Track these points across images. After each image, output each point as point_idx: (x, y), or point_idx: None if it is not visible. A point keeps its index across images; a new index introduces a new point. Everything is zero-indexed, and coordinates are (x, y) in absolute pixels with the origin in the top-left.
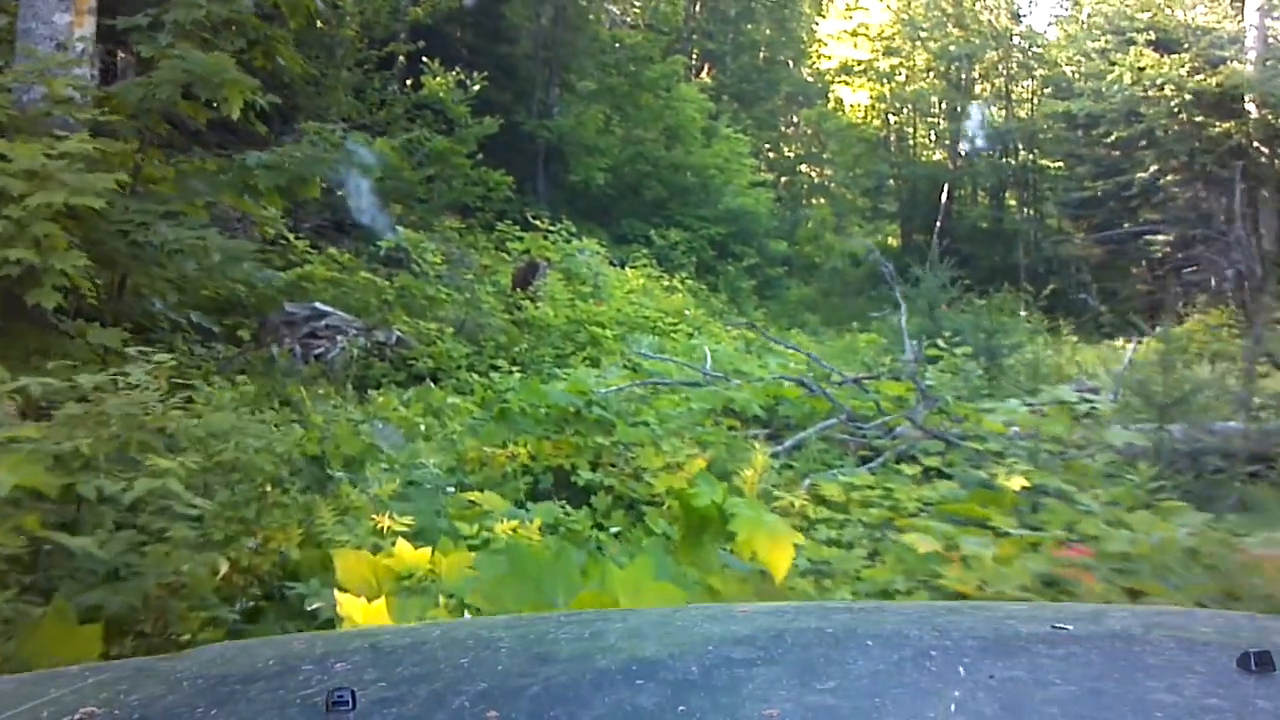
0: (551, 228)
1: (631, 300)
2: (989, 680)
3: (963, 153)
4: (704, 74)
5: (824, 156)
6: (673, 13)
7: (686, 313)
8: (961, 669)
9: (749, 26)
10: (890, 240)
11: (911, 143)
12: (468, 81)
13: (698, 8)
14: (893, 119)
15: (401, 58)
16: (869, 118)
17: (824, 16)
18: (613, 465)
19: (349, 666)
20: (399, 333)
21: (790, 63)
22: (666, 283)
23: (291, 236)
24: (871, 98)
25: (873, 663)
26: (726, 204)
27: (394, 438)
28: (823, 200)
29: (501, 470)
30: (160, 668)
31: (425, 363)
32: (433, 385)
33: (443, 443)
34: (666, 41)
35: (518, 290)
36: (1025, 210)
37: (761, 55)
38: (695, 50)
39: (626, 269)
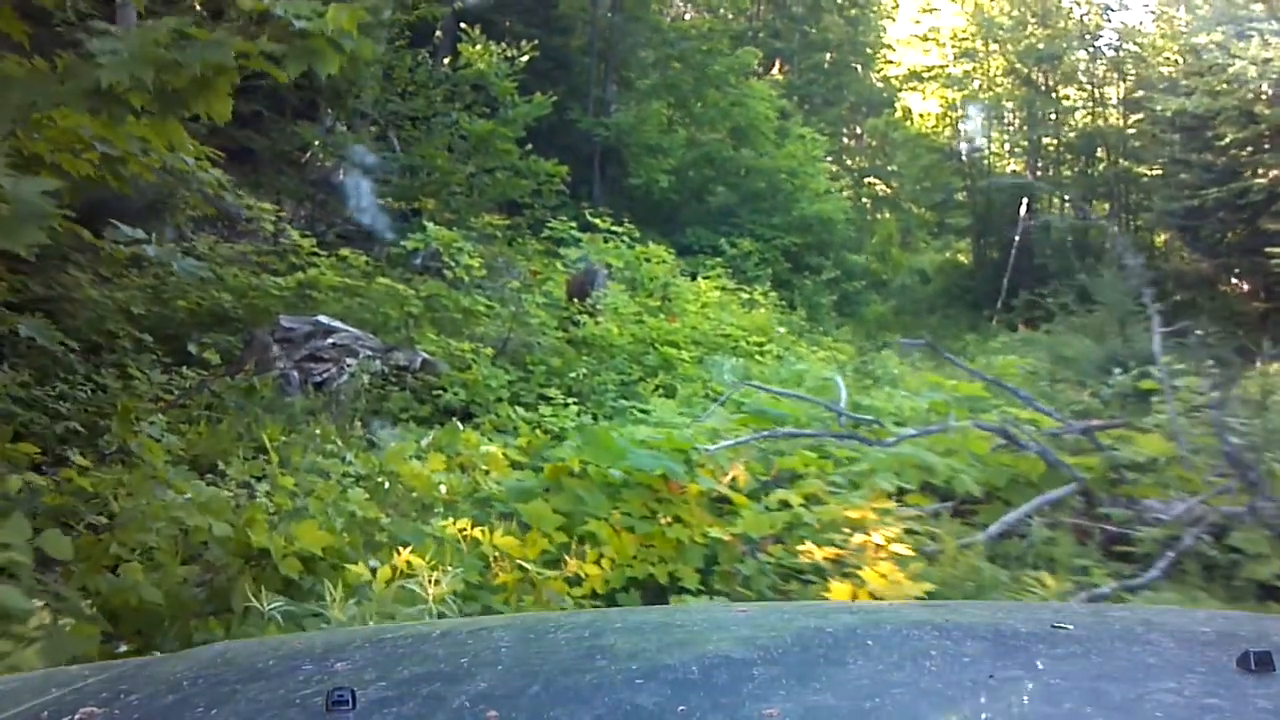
0: (614, 228)
1: (707, 316)
2: (989, 680)
3: (964, 149)
4: (775, 71)
5: (889, 169)
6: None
7: (779, 330)
8: (961, 669)
9: (818, 25)
10: (960, 257)
11: (985, 152)
12: (514, 54)
13: (761, 7)
14: (963, 128)
15: (438, 33)
16: (940, 126)
17: (893, 20)
18: (738, 570)
19: (349, 666)
20: (425, 354)
21: (859, 68)
22: (746, 296)
23: (296, 234)
24: (942, 106)
25: (873, 663)
26: (801, 211)
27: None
28: (887, 214)
29: (557, 602)
30: (160, 668)
31: (456, 393)
32: (464, 424)
33: (470, 508)
34: (735, 32)
35: (574, 302)
36: (1119, 222)
37: (828, 57)
38: (761, 50)
39: (699, 280)
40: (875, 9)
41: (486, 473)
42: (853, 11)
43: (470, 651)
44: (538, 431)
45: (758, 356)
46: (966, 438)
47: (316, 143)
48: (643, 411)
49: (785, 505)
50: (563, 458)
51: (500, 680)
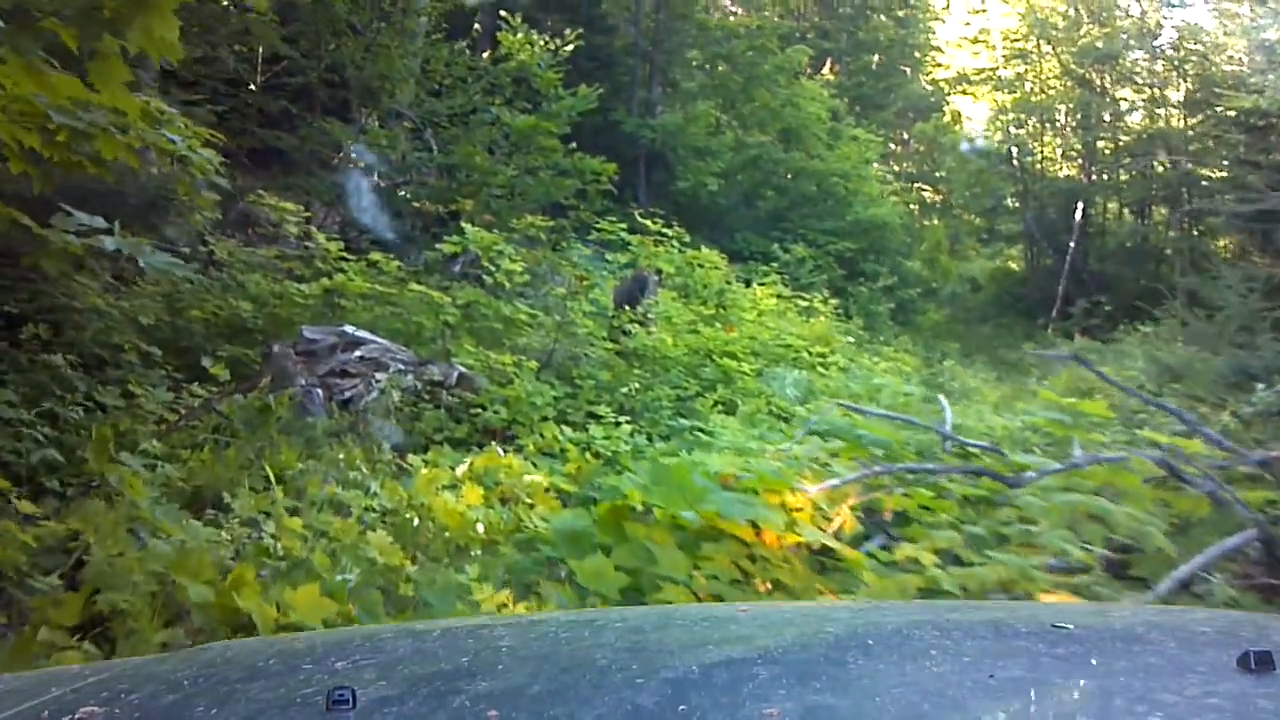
0: (665, 230)
1: (765, 325)
2: (989, 680)
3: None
4: (826, 70)
5: (936, 174)
6: None
7: (848, 340)
8: (961, 669)
9: (867, 25)
10: (1011, 264)
11: (1037, 157)
12: (558, 45)
13: (809, 7)
14: (1014, 131)
15: (477, 26)
16: (990, 130)
17: (942, 22)
18: None
19: (349, 665)
20: (461, 368)
21: (907, 70)
22: (804, 303)
23: (323, 237)
24: (992, 109)
25: (873, 663)
26: (855, 215)
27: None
28: (935, 220)
29: None
30: (160, 668)
31: (496, 411)
32: (504, 447)
33: (512, 551)
34: (783, 32)
35: (623, 311)
36: (1181, 227)
37: (876, 59)
38: (811, 50)
39: (755, 287)
40: (925, 10)
41: (531, 506)
42: (902, 12)
43: (470, 651)
44: (588, 455)
45: (820, 368)
46: (1114, 471)
47: (349, 143)
48: (703, 432)
49: (915, 563)
50: (620, 490)
51: (500, 680)
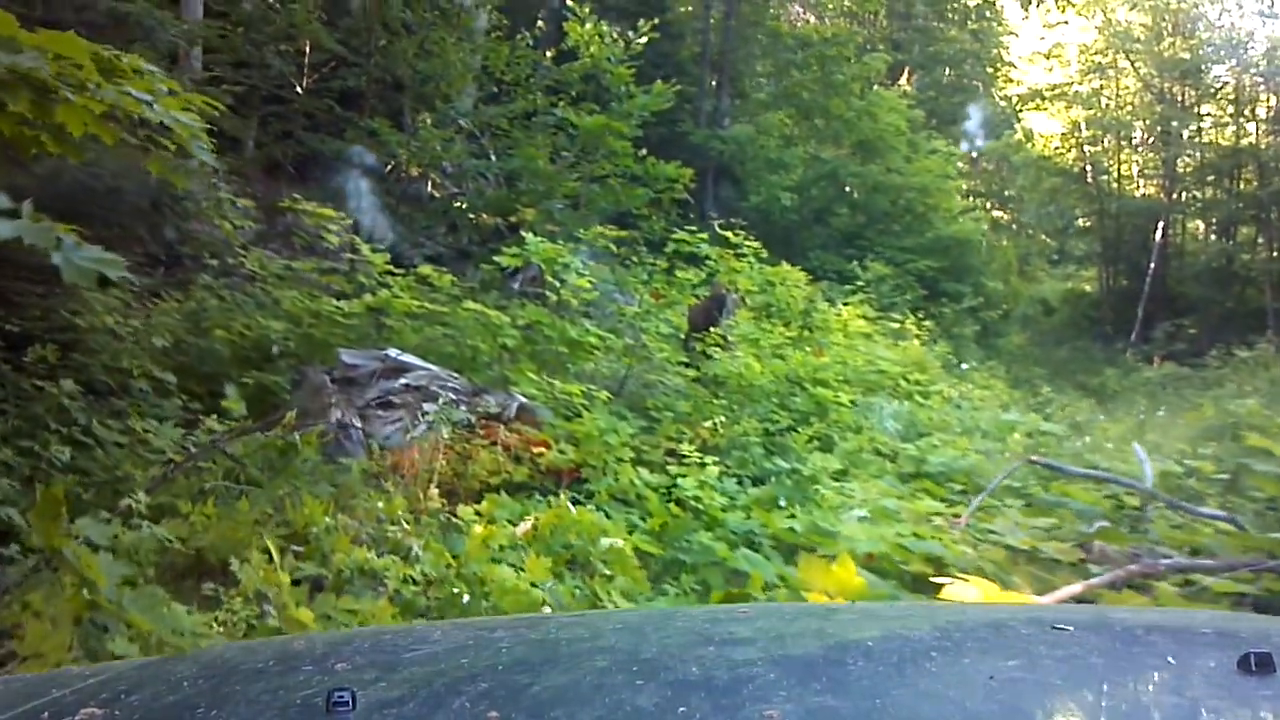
0: (749, 241)
1: (856, 348)
2: (989, 680)
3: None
4: (902, 80)
5: (1006, 193)
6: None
7: (963, 366)
8: (961, 669)
9: (943, 37)
10: (1085, 285)
11: (1113, 175)
12: (629, 38)
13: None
14: (1089, 149)
15: (540, 23)
16: (1065, 147)
17: (1015, 36)
18: None
19: (349, 666)
20: (522, 398)
21: (979, 85)
22: (895, 325)
23: (366, 248)
24: (1066, 126)
25: (873, 663)
26: (936, 232)
27: None
28: (1004, 240)
29: None
30: (160, 668)
31: (562, 451)
32: (572, 493)
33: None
34: (860, 38)
35: (703, 333)
36: (1271, 248)
37: (948, 73)
38: (889, 58)
39: (841, 307)
40: (999, 23)
41: (609, 577)
42: (976, 25)
43: (470, 651)
44: (672, 506)
45: (919, 398)
46: None
47: (402, 151)
48: (803, 477)
49: None
50: (710, 551)
51: (500, 680)
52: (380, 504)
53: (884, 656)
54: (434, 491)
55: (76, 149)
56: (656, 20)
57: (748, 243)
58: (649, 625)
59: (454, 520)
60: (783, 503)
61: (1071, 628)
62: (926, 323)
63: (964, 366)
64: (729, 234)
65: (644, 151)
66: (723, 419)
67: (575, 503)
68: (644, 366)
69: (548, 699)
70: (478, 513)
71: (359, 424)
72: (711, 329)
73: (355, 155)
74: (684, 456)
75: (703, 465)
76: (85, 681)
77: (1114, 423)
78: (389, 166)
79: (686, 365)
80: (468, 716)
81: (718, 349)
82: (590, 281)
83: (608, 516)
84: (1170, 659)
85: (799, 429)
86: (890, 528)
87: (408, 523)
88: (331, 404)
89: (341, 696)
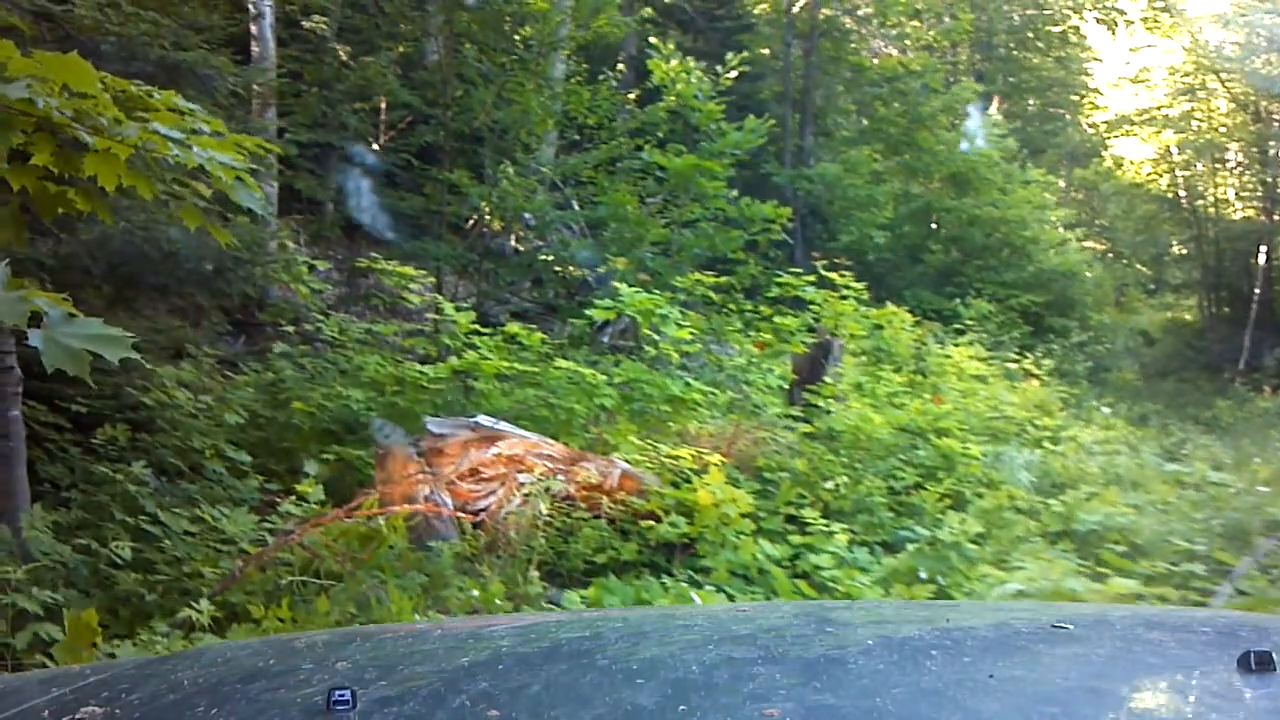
0: (854, 284)
1: (975, 393)
2: (989, 680)
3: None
4: (993, 109)
5: (1097, 222)
6: (959, 29)
7: (1103, 410)
8: (961, 669)
9: (1028, 65)
10: (1185, 315)
11: (1210, 199)
12: (717, 73)
13: (960, 48)
14: (1182, 174)
15: (621, 65)
16: (1157, 173)
17: (1100, 62)
18: None
19: (349, 666)
20: (624, 464)
21: (1066, 114)
22: (1014, 365)
23: (450, 306)
24: (1158, 151)
25: (873, 663)
26: (1038, 265)
27: None
28: (1100, 270)
29: None
30: (160, 668)
31: (674, 523)
32: (687, 571)
33: None
34: (944, 71)
35: (812, 384)
36: None
37: (1031, 103)
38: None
39: (952, 348)
40: (1084, 49)
41: None
42: (1061, 53)
43: (470, 651)
44: (800, 584)
45: (1048, 444)
46: None
47: (484, 204)
48: (943, 543)
49: None
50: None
51: (500, 680)
52: (476, 592)
53: (884, 656)
54: (534, 574)
55: (109, 209)
56: (746, 52)
57: (851, 285)
58: (649, 625)
59: (558, 607)
60: (923, 574)
61: (1072, 626)
62: (1046, 361)
63: (1104, 410)
64: (834, 275)
65: (735, 193)
66: (845, 479)
67: (692, 583)
68: (752, 423)
69: (548, 699)
70: (583, 599)
71: (448, 499)
72: (821, 379)
73: (355, 155)
74: (807, 524)
75: (829, 533)
76: (85, 680)
77: (1268, 463)
78: (470, 221)
79: (795, 419)
80: (468, 716)
81: (829, 400)
82: (691, 333)
83: (730, 599)
84: (1170, 658)
85: (926, 485)
86: None
87: (506, 612)
88: (418, 480)
89: (342, 696)
